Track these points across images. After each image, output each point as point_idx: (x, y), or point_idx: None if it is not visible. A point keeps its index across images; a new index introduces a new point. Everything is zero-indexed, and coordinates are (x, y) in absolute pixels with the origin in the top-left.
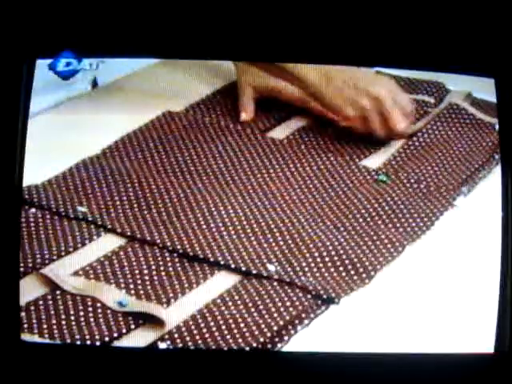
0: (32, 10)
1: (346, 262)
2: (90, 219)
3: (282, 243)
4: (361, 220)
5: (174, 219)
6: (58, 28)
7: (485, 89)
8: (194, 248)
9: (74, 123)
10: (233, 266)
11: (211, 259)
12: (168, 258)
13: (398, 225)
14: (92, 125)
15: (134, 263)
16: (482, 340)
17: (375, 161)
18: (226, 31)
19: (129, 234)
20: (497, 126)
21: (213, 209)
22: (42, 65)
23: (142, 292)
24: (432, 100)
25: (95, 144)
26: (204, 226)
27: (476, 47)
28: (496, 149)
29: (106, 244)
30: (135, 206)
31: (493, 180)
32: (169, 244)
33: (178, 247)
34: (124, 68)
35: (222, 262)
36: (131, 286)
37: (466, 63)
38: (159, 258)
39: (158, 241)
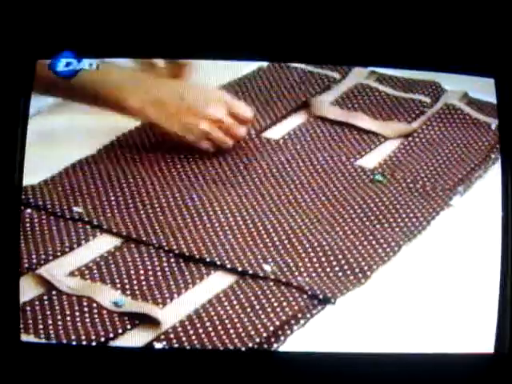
0: (32, 10)
1: (342, 261)
2: (85, 220)
3: (278, 243)
4: (357, 220)
5: (170, 219)
6: (58, 28)
7: (481, 89)
8: (189, 248)
9: (70, 123)
10: (229, 266)
11: (207, 259)
12: (164, 259)
13: (394, 225)
14: (88, 125)
15: (130, 263)
16: (482, 340)
17: (371, 161)
18: (225, 31)
19: (124, 234)
20: (493, 126)
21: (209, 209)
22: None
23: (137, 292)
24: (428, 100)
25: (91, 144)
26: (200, 227)
27: (476, 47)
28: (492, 148)
29: (102, 244)
30: (131, 206)
31: (489, 179)
32: (164, 244)
33: (174, 247)
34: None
35: (218, 262)
36: (127, 287)
37: (466, 63)
38: (155, 259)
39: (154, 241)
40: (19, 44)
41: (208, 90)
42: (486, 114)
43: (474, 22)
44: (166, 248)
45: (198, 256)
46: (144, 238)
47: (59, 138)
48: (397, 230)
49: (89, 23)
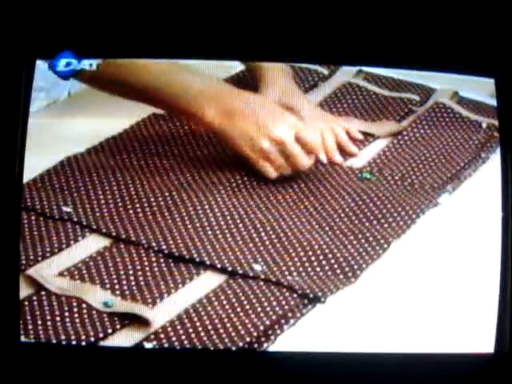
0: (32, 10)
1: (332, 260)
2: (74, 220)
3: (267, 243)
4: (345, 218)
5: (160, 219)
6: (57, 28)
7: (471, 87)
8: (179, 248)
9: (63, 124)
10: (219, 265)
11: (197, 259)
12: (153, 258)
13: (382, 221)
14: (80, 127)
15: (119, 263)
16: (482, 340)
17: (361, 159)
18: (224, 31)
19: (114, 234)
20: (483, 125)
21: (198, 208)
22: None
23: (127, 292)
24: (417, 98)
25: (83, 144)
26: (189, 226)
27: (476, 47)
28: (482, 147)
29: (91, 244)
30: (120, 205)
31: (479, 178)
32: (154, 244)
33: (164, 247)
34: None
35: (207, 262)
36: (116, 287)
37: (466, 63)
38: (144, 258)
39: (144, 241)
40: (19, 44)
41: (282, 113)
42: (476, 113)
43: (474, 22)
44: (156, 248)
45: (187, 256)
46: (133, 238)
47: (49, 138)
48: (385, 226)
49: (89, 23)
